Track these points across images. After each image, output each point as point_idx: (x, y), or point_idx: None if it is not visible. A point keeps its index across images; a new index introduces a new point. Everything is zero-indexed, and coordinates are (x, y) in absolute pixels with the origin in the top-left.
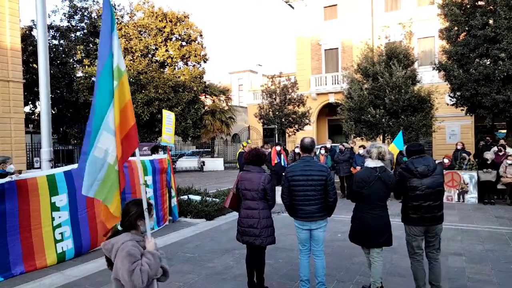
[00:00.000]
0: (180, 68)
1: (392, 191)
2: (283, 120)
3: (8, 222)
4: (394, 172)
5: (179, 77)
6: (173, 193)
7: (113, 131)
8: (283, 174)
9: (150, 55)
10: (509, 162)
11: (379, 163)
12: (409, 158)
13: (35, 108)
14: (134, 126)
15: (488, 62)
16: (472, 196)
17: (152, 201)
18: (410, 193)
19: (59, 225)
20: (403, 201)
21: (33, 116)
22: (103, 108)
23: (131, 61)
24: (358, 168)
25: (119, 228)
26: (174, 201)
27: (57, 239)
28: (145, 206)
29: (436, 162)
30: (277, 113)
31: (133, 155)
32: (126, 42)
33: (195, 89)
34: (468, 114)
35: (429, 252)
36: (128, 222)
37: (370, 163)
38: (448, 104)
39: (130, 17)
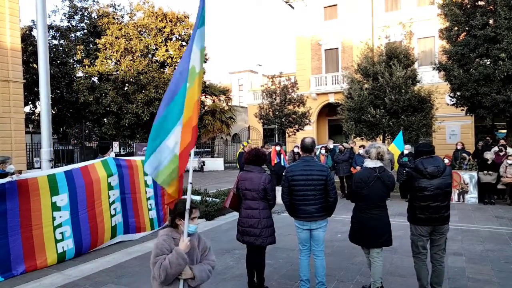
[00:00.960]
0: None
1: (392, 191)
2: (283, 120)
3: (9, 222)
4: (399, 174)
5: None
6: None
7: (181, 125)
8: (283, 174)
9: (150, 55)
10: (509, 162)
11: (378, 163)
12: (417, 158)
13: (35, 108)
14: (195, 126)
15: (488, 62)
16: (472, 196)
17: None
18: (418, 194)
19: (59, 225)
20: (410, 200)
21: (33, 116)
22: (180, 104)
23: (131, 61)
24: (358, 168)
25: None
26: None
27: (58, 239)
28: (187, 206)
29: None
30: (277, 113)
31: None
32: (126, 42)
33: None
34: (468, 114)
35: (434, 253)
36: (169, 219)
37: (369, 163)
38: (448, 104)
39: (130, 17)
